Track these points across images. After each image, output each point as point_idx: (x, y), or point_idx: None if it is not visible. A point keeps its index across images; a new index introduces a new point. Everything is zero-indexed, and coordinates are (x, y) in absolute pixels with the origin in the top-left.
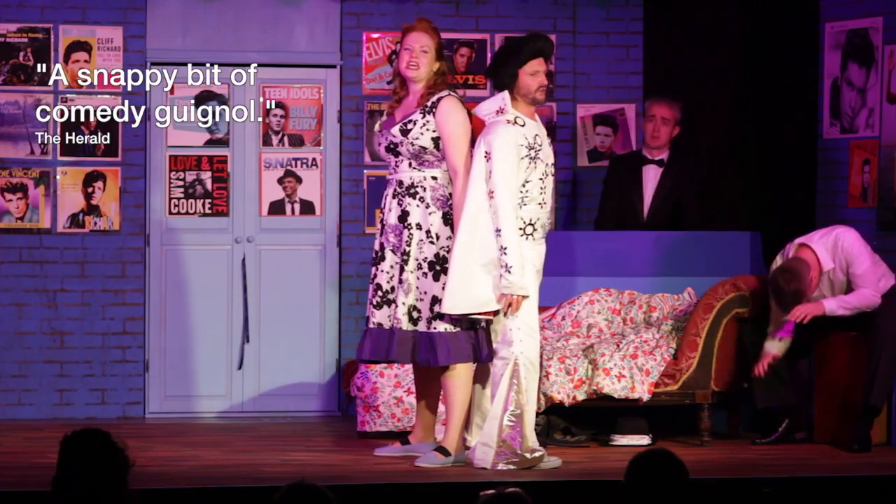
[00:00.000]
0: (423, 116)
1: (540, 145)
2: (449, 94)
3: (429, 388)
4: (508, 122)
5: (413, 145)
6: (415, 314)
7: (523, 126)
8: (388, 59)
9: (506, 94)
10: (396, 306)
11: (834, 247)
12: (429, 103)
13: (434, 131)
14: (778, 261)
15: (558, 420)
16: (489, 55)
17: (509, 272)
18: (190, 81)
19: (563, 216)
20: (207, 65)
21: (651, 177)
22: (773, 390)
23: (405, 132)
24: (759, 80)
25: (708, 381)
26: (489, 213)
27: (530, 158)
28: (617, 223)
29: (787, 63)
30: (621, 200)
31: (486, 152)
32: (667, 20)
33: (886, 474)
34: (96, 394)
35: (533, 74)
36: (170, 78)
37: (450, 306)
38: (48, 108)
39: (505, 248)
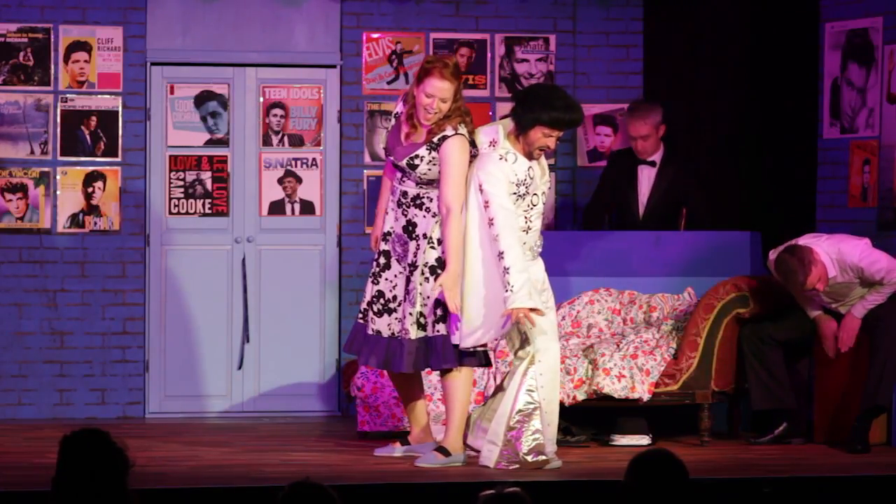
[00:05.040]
0: (430, 153)
1: (532, 179)
2: (456, 134)
3: (411, 392)
4: (500, 157)
5: (421, 179)
6: (422, 320)
7: (514, 162)
8: (388, 60)
9: (500, 126)
10: (404, 318)
11: (841, 261)
12: (435, 139)
13: (438, 166)
14: (775, 255)
15: (558, 420)
16: (489, 55)
17: (511, 291)
18: (190, 81)
19: (564, 216)
20: (207, 65)
21: (645, 177)
22: (771, 393)
23: (412, 167)
24: (759, 80)
25: (708, 381)
26: (490, 242)
27: (518, 196)
28: (611, 221)
29: (787, 63)
30: (617, 200)
31: (480, 185)
32: (667, 20)
33: (886, 474)
34: (96, 394)
35: (547, 137)
36: (170, 78)
37: (475, 339)
38: (48, 108)
39: (508, 268)
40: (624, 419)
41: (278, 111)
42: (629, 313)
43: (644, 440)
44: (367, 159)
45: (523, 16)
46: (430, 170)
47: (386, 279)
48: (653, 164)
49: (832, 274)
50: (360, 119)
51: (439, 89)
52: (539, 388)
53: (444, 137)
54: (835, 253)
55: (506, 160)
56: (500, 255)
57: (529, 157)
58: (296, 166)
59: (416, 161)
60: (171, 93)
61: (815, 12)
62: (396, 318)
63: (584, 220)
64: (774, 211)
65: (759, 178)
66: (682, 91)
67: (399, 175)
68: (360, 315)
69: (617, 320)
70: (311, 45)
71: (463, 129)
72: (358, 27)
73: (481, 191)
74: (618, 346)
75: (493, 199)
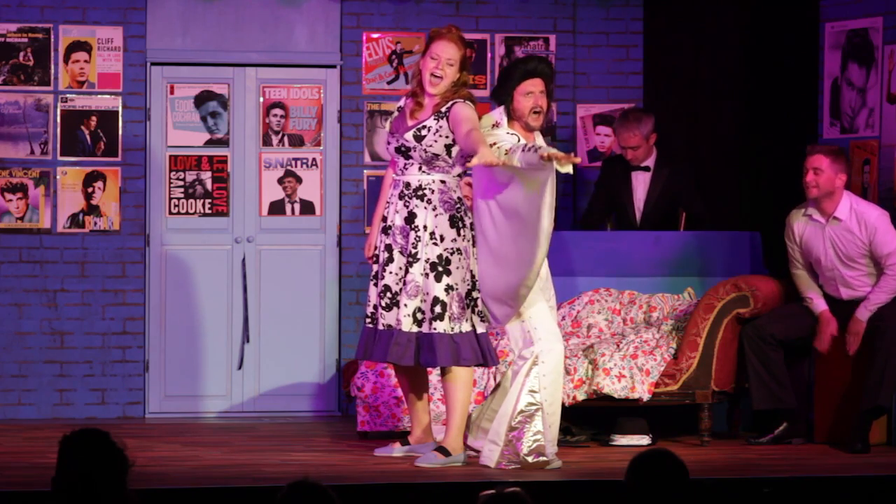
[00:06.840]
0: (437, 122)
1: None
2: (464, 101)
3: (414, 389)
4: (507, 133)
5: (426, 152)
6: (419, 315)
7: (518, 141)
8: (388, 59)
9: (503, 109)
10: (399, 308)
11: (859, 212)
12: (443, 109)
13: (447, 137)
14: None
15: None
16: (489, 55)
17: (537, 150)
18: (190, 81)
19: (564, 216)
20: (207, 65)
21: (640, 181)
22: (771, 393)
23: (419, 138)
24: (760, 80)
25: (708, 381)
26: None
27: None
28: (607, 224)
29: (787, 63)
30: (614, 205)
31: (492, 143)
32: (667, 20)
33: (886, 474)
34: (96, 394)
35: (526, 95)
36: (170, 78)
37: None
38: (48, 108)
39: (533, 145)
40: (624, 419)
41: (278, 111)
42: (629, 313)
43: (644, 440)
44: (367, 159)
45: (523, 16)
46: (436, 141)
47: (391, 272)
48: (647, 169)
49: (843, 216)
50: (360, 119)
51: (445, 50)
52: (542, 389)
53: (453, 104)
54: (856, 204)
55: (511, 136)
56: (524, 145)
57: (529, 131)
58: (296, 166)
59: (423, 132)
60: (171, 93)
61: (815, 12)
62: (398, 310)
63: (583, 229)
64: (774, 211)
65: (759, 178)
66: (682, 91)
67: (402, 164)
68: (368, 319)
69: (617, 320)
70: (311, 45)
71: (470, 103)
72: (358, 27)
73: (492, 144)
74: (618, 346)
75: (507, 140)
